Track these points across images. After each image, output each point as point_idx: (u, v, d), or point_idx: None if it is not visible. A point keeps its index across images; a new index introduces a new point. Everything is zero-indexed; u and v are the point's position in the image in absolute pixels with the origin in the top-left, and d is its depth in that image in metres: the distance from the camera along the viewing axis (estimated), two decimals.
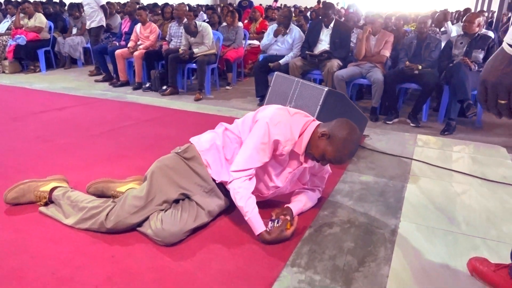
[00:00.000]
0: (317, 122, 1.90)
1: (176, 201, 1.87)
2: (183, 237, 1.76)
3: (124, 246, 1.72)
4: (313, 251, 1.75)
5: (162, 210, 1.81)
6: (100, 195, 2.08)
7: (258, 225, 1.77)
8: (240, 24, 6.22)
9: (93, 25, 6.15)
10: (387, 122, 4.01)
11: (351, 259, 1.71)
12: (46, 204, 1.98)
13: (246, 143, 1.83)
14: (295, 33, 4.77)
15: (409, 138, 3.48)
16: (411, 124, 3.94)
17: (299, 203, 2.04)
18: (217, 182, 1.92)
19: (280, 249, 1.74)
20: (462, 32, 4.03)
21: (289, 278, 1.56)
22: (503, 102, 1.05)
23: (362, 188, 2.42)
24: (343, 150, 1.76)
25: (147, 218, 1.78)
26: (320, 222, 2.01)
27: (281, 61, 4.65)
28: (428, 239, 1.88)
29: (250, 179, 1.81)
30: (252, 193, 1.83)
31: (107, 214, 1.74)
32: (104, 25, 6.28)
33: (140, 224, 1.78)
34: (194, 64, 5.08)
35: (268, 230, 1.78)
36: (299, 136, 1.84)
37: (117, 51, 5.49)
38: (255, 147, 1.79)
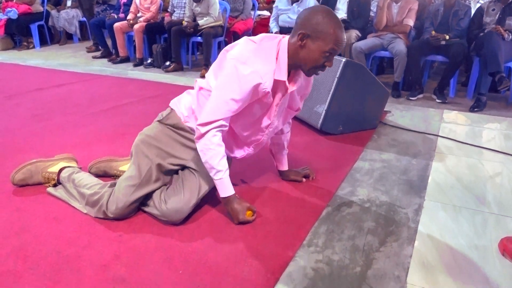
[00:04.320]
0: (286, 37, 1.76)
1: (176, 173, 1.91)
2: (190, 210, 1.80)
3: (132, 225, 1.77)
4: (331, 231, 1.79)
5: (165, 186, 1.86)
6: (103, 175, 2.14)
7: (229, 187, 1.78)
8: None
9: None
10: (411, 98, 4.00)
11: (371, 239, 1.74)
12: (54, 186, 2.04)
13: (214, 90, 1.73)
14: (309, 2, 4.73)
15: (434, 114, 3.49)
16: (437, 100, 3.92)
17: (282, 156, 2.20)
18: None
19: (296, 229, 1.78)
20: None
21: (306, 258, 1.61)
22: None
23: (383, 166, 2.44)
24: (334, 29, 1.63)
25: (150, 196, 1.83)
26: (338, 201, 2.04)
27: None
28: (455, 219, 1.91)
29: (221, 131, 1.73)
30: (248, 143, 1.91)
31: (107, 203, 1.78)
32: None
33: (144, 203, 1.84)
34: (199, 38, 5.09)
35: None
36: (276, 60, 1.72)
37: (116, 25, 5.51)
38: (222, 95, 1.69)
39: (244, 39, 1.77)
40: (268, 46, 1.72)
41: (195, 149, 1.86)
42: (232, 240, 1.70)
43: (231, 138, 1.92)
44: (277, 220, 1.85)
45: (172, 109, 1.94)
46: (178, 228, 1.77)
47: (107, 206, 1.77)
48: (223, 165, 1.74)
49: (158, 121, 1.93)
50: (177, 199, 1.78)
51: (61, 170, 2.03)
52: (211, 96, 1.74)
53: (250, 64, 1.66)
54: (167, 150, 1.87)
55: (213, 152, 1.72)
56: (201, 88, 1.87)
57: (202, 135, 1.72)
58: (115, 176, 2.11)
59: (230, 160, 2.05)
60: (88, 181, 1.92)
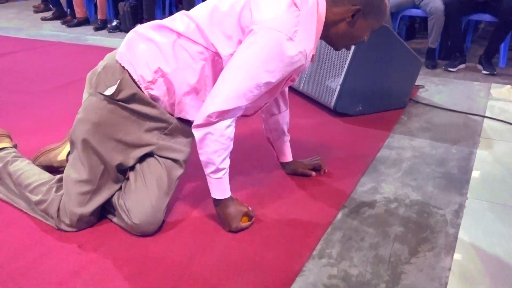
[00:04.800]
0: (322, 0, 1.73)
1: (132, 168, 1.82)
2: (163, 215, 1.80)
3: (95, 232, 1.78)
4: (348, 238, 1.80)
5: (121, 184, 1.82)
6: (49, 170, 2.06)
7: (227, 188, 1.77)
8: None
9: None
10: (450, 69, 4.01)
11: (400, 248, 1.75)
12: None
13: (243, 67, 1.63)
14: None
15: (480, 89, 3.50)
16: (483, 72, 3.93)
17: (284, 144, 2.18)
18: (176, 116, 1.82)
19: (303, 235, 1.79)
20: None
21: (316, 272, 1.61)
22: None
23: (414, 156, 2.46)
24: (386, 3, 1.75)
25: (110, 203, 1.81)
26: (357, 200, 2.05)
27: None
28: (505, 222, 1.92)
29: (234, 121, 1.70)
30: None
31: (58, 215, 1.75)
32: None
33: (107, 209, 1.83)
34: None
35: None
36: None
37: None
38: (256, 76, 1.62)
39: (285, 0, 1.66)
40: (309, 16, 1.67)
41: (161, 128, 1.79)
42: (223, 249, 1.70)
43: None
44: (279, 224, 1.86)
45: (124, 69, 1.71)
46: (154, 235, 1.77)
47: (60, 218, 1.75)
48: (227, 163, 1.73)
49: (106, 96, 1.69)
50: (144, 207, 1.73)
51: None
52: (232, 73, 1.64)
53: (298, 41, 1.63)
54: (127, 140, 1.74)
55: (221, 147, 1.67)
56: (180, 35, 1.71)
57: (212, 123, 1.64)
58: (61, 167, 2.08)
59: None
60: (29, 179, 1.86)
